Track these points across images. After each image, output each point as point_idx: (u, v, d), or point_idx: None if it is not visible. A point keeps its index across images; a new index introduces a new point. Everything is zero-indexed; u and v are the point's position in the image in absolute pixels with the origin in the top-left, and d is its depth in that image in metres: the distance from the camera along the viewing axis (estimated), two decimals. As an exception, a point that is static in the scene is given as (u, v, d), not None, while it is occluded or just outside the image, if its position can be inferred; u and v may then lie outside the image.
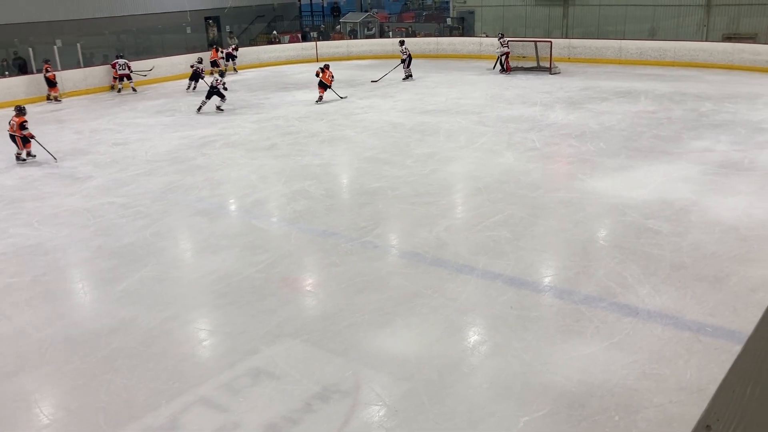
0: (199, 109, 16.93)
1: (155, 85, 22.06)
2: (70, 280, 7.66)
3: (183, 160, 12.30)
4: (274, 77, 23.10)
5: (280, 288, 6.94)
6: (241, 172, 11.36)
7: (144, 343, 5.92)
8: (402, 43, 21.83)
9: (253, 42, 29.57)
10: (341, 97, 17.99)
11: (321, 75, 17.63)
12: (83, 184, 10.98)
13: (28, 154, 12.58)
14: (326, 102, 17.73)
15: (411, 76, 21.06)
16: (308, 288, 7.18)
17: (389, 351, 5.64)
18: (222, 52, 24.25)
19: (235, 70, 24.23)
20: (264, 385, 5.22)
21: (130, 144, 13.79)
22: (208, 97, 16.89)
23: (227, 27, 29.44)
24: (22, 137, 12.25)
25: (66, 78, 20.30)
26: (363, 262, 7.49)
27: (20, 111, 12.43)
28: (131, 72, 20.90)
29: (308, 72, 24.05)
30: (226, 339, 6.02)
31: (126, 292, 6.97)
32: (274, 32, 29.86)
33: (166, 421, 4.85)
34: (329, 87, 17.82)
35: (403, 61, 21.03)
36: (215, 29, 29.30)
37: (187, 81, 20.77)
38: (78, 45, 21.58)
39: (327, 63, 18.67)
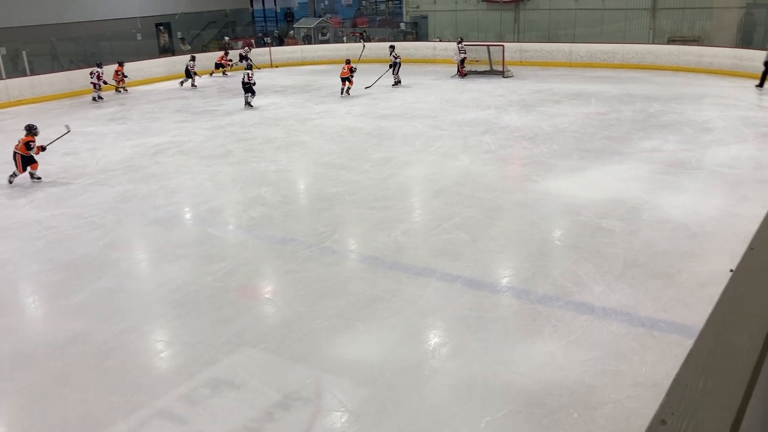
0: (247, 104, 18.02)
1: (106, 92, 21.55)
2: (21, 294, 7.43)
3: (136, 168, 12.07)
4: (227, 83, 22.85)
5: (239, 296, 6.86)
6: (196, 179, 11.20)
7: (99, 357, 5.78)
8: (392, 48, 21.55)
9: (205, 48, 29.16)
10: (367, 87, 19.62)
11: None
12: (33, 195, 10.68)
13: (32, 176, 11.44)
14: (280, 108, 17.63)
15: (400, 82, 20.60)
16: (267, 296, 7.11)
17: (350, 356, 5.62)
18: (229, 55, 25.31)
19: (255, 68, 24.83)
20: (224, 395, 5.15)
21: (81, 153, 13.46)
22: (247, 92, 17.97)
23: (179, 33, 29.01)
24: (22, 157, 11.18)
25: (11, 86, 19.71)
26: (322, 267, 7.46)
27: (29, 130, 11.39)
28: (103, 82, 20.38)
29: (262, 78, 23.93)
30: (185, 349, 5.92)
31: (80, 305, 6.80)
32: (227, 38, 29.54)
33: (123, 436, 4.74)
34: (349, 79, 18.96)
35: (392, 66, 20.76)
36: (167, 36, 28.84)
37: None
38: (24, 52, 20.98)
39: (348, 59, 19.58)
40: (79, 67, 22.37)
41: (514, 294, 6.66)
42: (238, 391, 5.19)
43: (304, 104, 18.12)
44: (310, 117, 16.24)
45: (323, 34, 29.76)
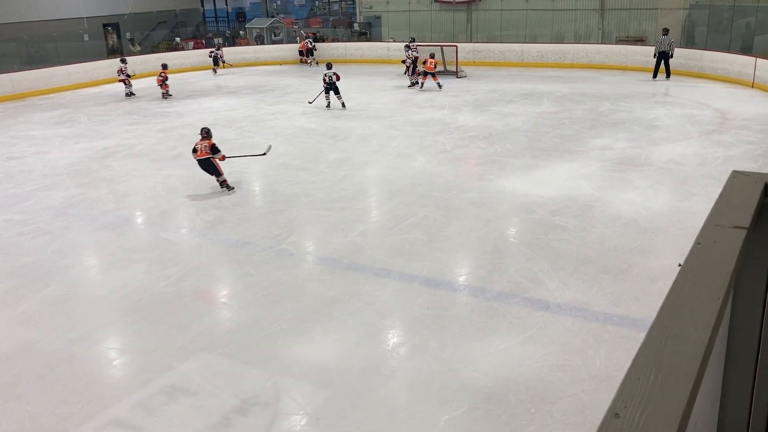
0: (329, 105, 16.89)
1: (52, 95, 21.02)
2: (-37, 305, 7.16)
3: (85, 172, 11.77)
4: (178, 85, 22.45)
5: (193, 301, 6.74)
6: (147, 183, 10.98)
7: (48, 367, 5.61)
8: (408, 47, 21.49)
9: (155, 49, 28.66)
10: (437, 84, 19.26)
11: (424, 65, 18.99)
12: (-25, 201, 10.31)
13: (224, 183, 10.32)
14: (233, 109, 17.43)
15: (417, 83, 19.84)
16: (222, 300, 7.01)
17: (308, 359, 5.58)
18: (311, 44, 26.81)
19: (316, 63, 26.06)
20: (180, 402, 5.05)
21: (26, 157, 13.06)
22: (327, 92, 16.82)
23: (128, 34, 28.42)
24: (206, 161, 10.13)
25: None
26: (278, 270, 7.39)
27: (208, 134, 10.27)
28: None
29: (214, 79, 23.64)
30: (138, 357, 5.79)
31: (27, 314, 6.58)
32: (177, 39, 29.08)
33: (75, 448, 4.61)
34: (431, 73, 18.87)
35: (407, 67, 20.77)
36: (115, 36, 28.23)
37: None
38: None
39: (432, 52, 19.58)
40: (23, 69, 21.72)
41: (470, 292, 6.72)
42: (194, 397, 5.11)
43: (258, 105, 17.95)
44: (264, 118, 16.09)
45: (276, 35, 29.53)
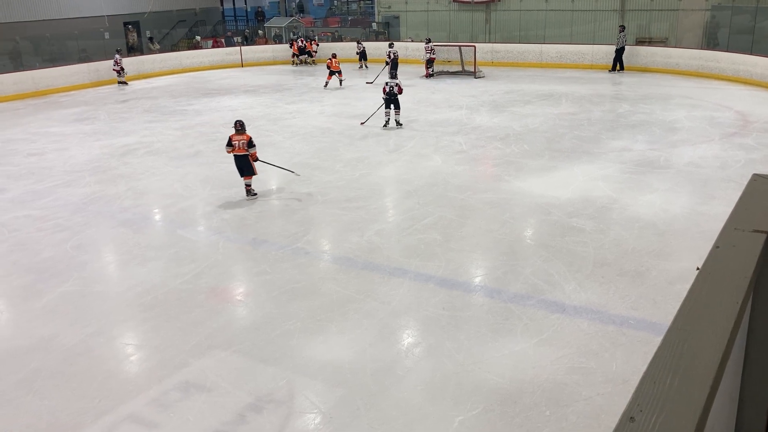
0: (386, 124, 14.33)
1: (73, 92, 21.25)
2: (-17, 299, 7.26)
3: (104, 169, 11.88)
4: (197, 83, 22.63)
5: (209, 299, 6.78)
6: (165, 180, 11.06)
7: (66, 362, 5.67)
8: (391, 45, 21.92)
9: (174, 47, 28.88)
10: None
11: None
12: (-4, 197, 10.45)
13: (249, 191, 9.89)
14: (251, 108, 17.51)
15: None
16: (238, 298, 7.05)
17: (323, 358, 5.59)
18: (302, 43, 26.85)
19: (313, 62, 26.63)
20: (195, 398, 5.09)
21: (47, 154, 13.21)
22: (388, 106, 14.20)
23: (148, 32, 28.65)
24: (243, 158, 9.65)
25: (-25, 86, 19.32)
26: (294, 269, 7.41)
27: (243, 127, 9.68)
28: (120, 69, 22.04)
29: (233, 77, 23.78)
30: (154, 353, 5.83)
31: (46, 309, 6.66)
32: (197, 37, 29.27)
33: (91, 442, 4.65)
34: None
35: (386, 64, 20.87)
36: (135, 35, 28.48)
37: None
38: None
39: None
40: (45, 66, 21.98)
41: (486, 293, 6.70)
42: (209, 394, 5.13)
43: (276, 104, 18.02)
44: (281, 117, 16.15)
45: (294, 34, 29.62)
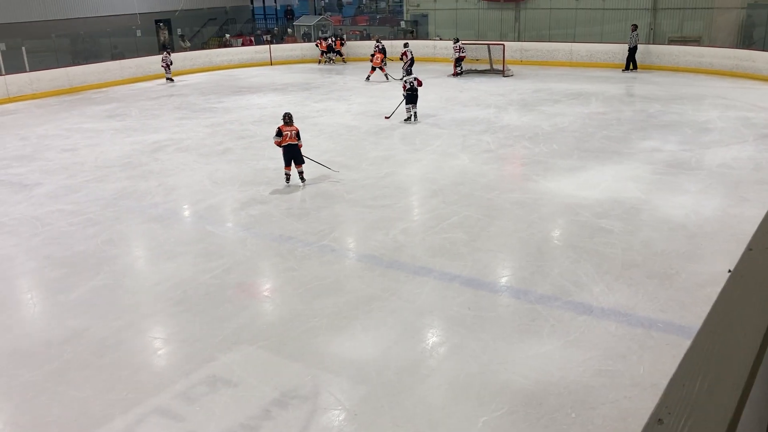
0: (408, 119, 14.78)
1: (105, 89, 21.60)
2: (18, 291, 7.41)
3: (135, 165, 12.06)
4: (226, 81, 22.84)
5: (236, 294, 6.85)
6: (195, 177, 11.19)
7: (97, 354, 5.78)
8: (406, 45, 22.04)
9: (205, 45, 29.19)
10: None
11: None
12: (31, 191, 10.66)
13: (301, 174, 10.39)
14: (279, 106, 17.61)
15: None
16: (265, 293, 7.11)
17: (347, 355, 5.62)
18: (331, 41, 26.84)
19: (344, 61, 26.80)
20: (221, 392, 5.14)
21: (80, 150, 13.45)
22: (408, 102, 14.66)
23: (179, 30, 28.99)
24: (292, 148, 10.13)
25: (10, 82, 19.71)
26: (320, 266, 7.45)
27: (291, 119, 10.24)
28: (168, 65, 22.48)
29: (262, 75, 23.95)
30: (182, 347, 5.91)
31: (77, 302, 6.79)
32: (227, 35, 29.53)
33: (120, 433, 4.73)
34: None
35: (404, 62, 21.00)
36: (166, 32, 28.83)
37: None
38: (23, 48, 20.96)
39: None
40: (78, 64, 22.37)
41: (512, 293, 6.66)
42: (235, 389, 5.19)
43: (304, 102, 18.10)
44: (309, 115, 16.22)
45: (323, 32, 29.73)
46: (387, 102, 17.37)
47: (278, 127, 10.22)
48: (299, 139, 10.24)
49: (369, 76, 21.50)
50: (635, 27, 21.36)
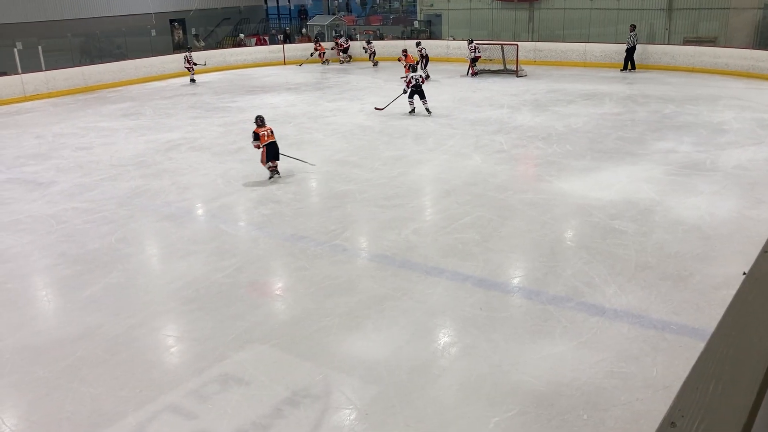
0: (412, 111, 15.46)
1: (120, 88, 21.74)
2: (32, 288, 7.48)
3: (149, 164, 12.13)
4: (240, 80, 22.92)
5: (249, 293, 6.87)
6: (208, 176, 11.24)
7: (110, 351, 5.82)
8: (418, 44, 22.20)
9: (219, 45, 29.32)
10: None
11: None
12: (46, 189, 10.76)
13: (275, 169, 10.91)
14: (292, 105, 17.65)
15: (428, 77, 20.30)
16: (277, 292, 7.13)
17: (359, 354, 5.62)
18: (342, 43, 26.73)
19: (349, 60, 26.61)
20: (233, 391, 5.17)
21: (95, 148, 13.55)
22: (412, 96, 15.23)
23: (193, 30, 29.14)
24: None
25: (27, 81, 19.89)
26: (332, 265, 7.46)
27: (263, 121, 10.84)
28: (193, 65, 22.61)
29: (275, 75, 24.02)
30: (194, 345, 5.94)
31: (91, 300, 6.84)
32: (241, 35, 29.64)
33: (133, 430, 4.76)
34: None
35: (417, 63, 21.02)
36: (180, 32, 28.99)
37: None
38: (39, 47, 21.15)
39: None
40: (93, 63, 22.54)
41: (524, 294, 6.64)
42: (247, 387, 5.21)
43: (317, 102, 18.14)
44: (322, 114, 16.25)
45: (336, 32, 29.77)
46: (399, 102, 17.36)
47: (253, 131, 10.70)
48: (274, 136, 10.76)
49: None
50: (633, 27, 21.40)
